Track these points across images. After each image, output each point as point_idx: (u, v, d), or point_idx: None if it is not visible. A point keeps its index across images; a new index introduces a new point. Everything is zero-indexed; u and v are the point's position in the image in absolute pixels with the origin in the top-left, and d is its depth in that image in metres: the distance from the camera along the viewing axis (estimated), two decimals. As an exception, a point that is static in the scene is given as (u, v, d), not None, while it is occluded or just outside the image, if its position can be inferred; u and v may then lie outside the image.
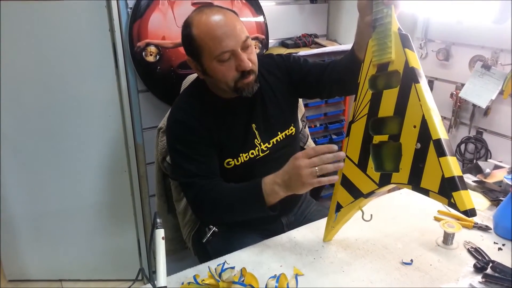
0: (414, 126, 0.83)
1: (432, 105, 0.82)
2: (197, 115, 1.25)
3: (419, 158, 0.82)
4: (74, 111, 1.85)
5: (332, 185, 1.04)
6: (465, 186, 0.77)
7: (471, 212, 0.76)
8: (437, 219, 1.19)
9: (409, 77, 0.85)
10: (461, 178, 0.77)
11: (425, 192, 0.81)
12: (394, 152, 0.88)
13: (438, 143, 0.79)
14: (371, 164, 0.93)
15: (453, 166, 0.77)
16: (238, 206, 1.17)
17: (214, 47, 1.13)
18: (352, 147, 0.98)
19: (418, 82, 0.83)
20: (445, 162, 0.77)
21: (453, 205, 0.76)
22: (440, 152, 0.78)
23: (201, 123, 1.24)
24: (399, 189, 1.37)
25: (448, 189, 0.77)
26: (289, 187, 1.06)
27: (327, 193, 1.96)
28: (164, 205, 1.63)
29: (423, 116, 0.82)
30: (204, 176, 1.22)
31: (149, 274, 0.87)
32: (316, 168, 1.00)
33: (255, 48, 1.89)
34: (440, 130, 0.80)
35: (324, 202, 1.74)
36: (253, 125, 1.29)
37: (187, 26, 1.18)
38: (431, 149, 0.79)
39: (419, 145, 0.82)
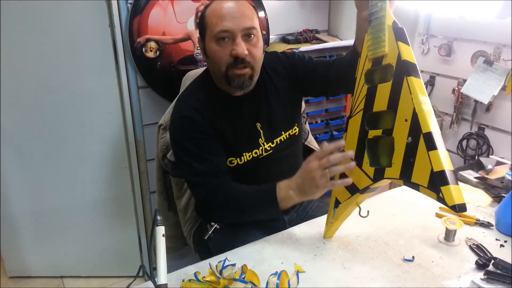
0: (406, 120, 0.82)
1: (423, 98, 0.81)
2: (203, 111, 1.22)
3: (410, 152, 0.81)
4: (74, 108, 1.85)
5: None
6: (456, 181, 0.76)
7: (459, 207, 0.74)
8: (438, 216, 1.18)
9: (402, 70, 0.84)
10: (451, 172, 0.76)
11: (416, 186, 0.80)
12: (387, 147, 0.87)
13: (428, 136, 0.78)
14: (366, 159, 0.93)
15: (443, 160, 0.76)
16: (250, 209, 1.17)
17: (216, 24, 1.13)
18: (349, 142, 0.98)
19: (409, 75, 0.82)
20: (434, 156, 0.76)
21: (441, 200, 0.75)
22: (430, 146, 0.77)
23: (208, 119, 1.22)
24: (400, 185, 1.36)
25: (437, 183, 0.76)
26: (304, 192, 1.05)
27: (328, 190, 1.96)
28: (164, 202, 1.63)
29: (414, 109, 0.81)
30: (214, 175, 1.21)
31: (150, 271, 0.87)
32: (326, 170, 0.99)
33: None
34: (430, 124, 0.79)
35: (325, 199, 1.73)
36: (258, 124, 1.28)
37: (205, 7, 1.20)
38: (421, 142, 0.79)
39: (410, 139, 0.81)
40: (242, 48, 1.12)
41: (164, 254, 0.83)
